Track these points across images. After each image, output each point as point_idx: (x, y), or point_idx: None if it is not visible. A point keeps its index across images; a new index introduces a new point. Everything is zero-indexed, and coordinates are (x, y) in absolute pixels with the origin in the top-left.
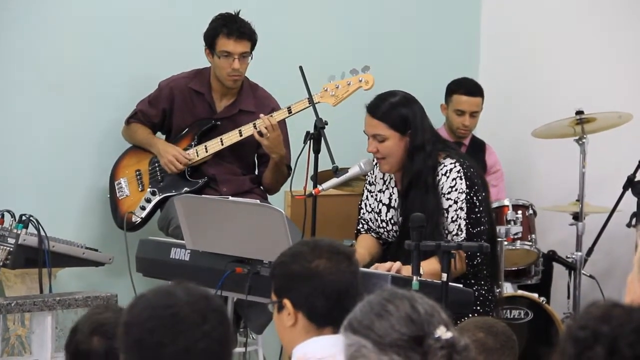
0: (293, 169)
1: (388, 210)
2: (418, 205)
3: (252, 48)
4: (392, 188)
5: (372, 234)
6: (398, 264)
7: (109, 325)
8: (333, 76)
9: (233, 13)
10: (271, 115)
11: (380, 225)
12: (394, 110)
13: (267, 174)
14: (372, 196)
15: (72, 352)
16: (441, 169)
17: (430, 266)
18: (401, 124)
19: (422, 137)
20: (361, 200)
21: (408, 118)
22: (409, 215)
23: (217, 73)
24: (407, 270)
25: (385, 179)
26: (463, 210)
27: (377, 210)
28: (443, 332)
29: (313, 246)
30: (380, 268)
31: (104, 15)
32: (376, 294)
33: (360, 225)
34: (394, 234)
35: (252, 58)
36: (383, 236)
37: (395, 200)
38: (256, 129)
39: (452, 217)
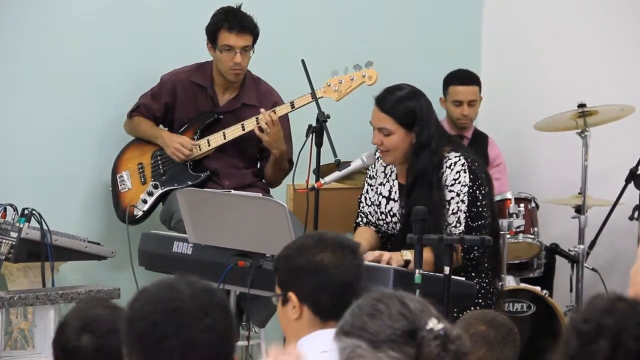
0: (295, 162)
1: (387, 203)
2: (422, 203)
3: (254, 41)
4: (393, 181)
5: (371, 227)
6: (387, 253)
7: (99, 322)
8: (336, 71)
9: (235, 7)
10: (273, 111)
11: (380, 218)
12: (401, 104)
13: (268, 168)
14: (372, 190)
15: (61, 348)
16: (445, 162)
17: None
18: (408, 120)
19: (428, 134)
20: (361, 194)
21: (415, 113)
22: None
23: (219, 67)
24: (396, 257)
25: (386, 172)
26: (464, 203)
27: (377, 203)
28: (435, 324)
29: (318, 239)
30: (370, 257)
31: (104, 10)
32: (364, 297)
33: (360, 219)
34: (393, 226)
35: (254, 51)
36: (382, 229)
37: (395, 192)
38: (258, 123)
39: (452, 210)
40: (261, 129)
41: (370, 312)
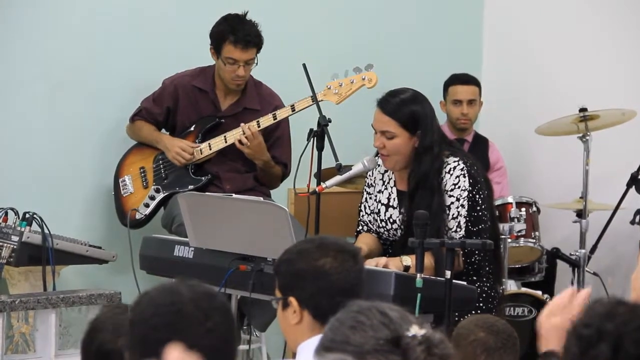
0: (296, 166)
1: (387, 210)
2: (424, 208)
3: (258, 52)
4: (391, 188)
5: (373, 234)
6: (384, 259)
7: None
8: (336, 74)
9: (240, 15)
10: (257, 122)
11: (380, 225)
12: (405, 107)
13: (258, 175)
14: (370, 198)
15: (95, 351)
16: (445, 167)
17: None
18: (411, 123)
19: (430, 138)
20: (361, 203)
21: (419, 117)
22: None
23: (221, 75)
24: (393, 263)
25: (384, 179)
26: (464, 207)
27: (376, 211)
28: (417, 330)
29: (319, 244)
30: (367, 264)
31: (107, 14)
32: (343, 311)
33: (360, 227)
34: (394, 232)
35: (257, 63)
36: (384, 236)
37: (394, 199)
38: (259, 127)
39: (452, 215)
40: (242, 142)
41: (351, 324)
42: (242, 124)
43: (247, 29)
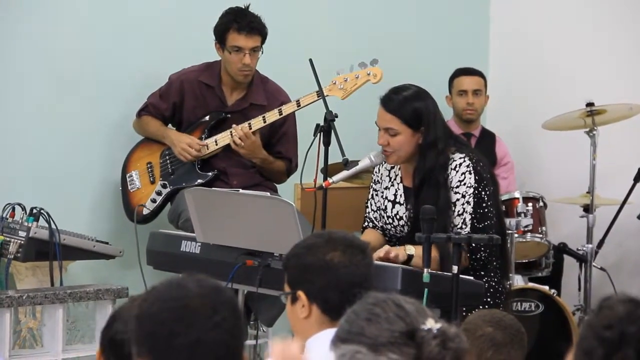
0: (303, 161)
1: (393, 207)
2: (430, 204)
3: (263, 42)
4: (398, 184)
5: (378, 230)
6: (394, 251)
7: None
8: (342, 69)
9: (243, 7)
10: (263, 117)
11: (387, 222)
12: (407, 104)
13: (261, 171)
14: (377, 194)
15: (109, 340)
16: (451, 164)
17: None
18: (414, 120)
19: (434, 134)
20: (367, 199)
21: (422, 114)
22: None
23: (227, 68)
24: (401, 253)
25: (390, 175)
26: (470, 204)
27: (383, 207)
28: (432, 324)
29: (327, 238)
30: (376, 255)
31: (114, 10)
32: (358, 303)
33: (366, 223)
34: (401, 229)
35: (262, 52)
36: (391, 232)
37: (401, 195)
38: (265, 122)
39: (458, 211)
40: (235, 143)
41: (367, 317)
42: (233, 125)
43: (249, 16)
